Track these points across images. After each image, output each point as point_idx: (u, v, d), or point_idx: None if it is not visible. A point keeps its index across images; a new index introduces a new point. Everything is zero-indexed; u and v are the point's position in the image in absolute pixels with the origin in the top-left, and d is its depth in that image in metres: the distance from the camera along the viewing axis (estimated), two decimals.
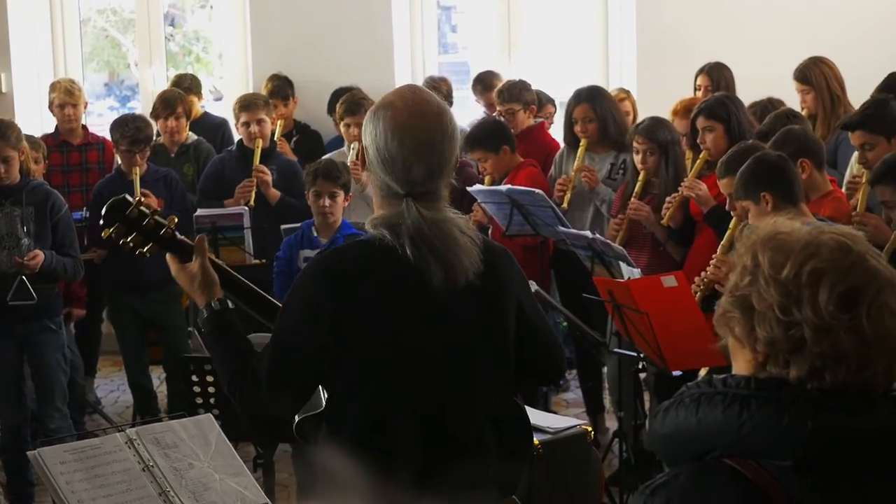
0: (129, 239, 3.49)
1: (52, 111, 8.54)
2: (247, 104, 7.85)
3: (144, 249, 3.50)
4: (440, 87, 9.08)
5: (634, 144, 6.86)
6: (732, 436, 2.02)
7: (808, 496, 2.00)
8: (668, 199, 6.66)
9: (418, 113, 3.18)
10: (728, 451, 2.03)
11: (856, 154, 6.86)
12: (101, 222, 3.52)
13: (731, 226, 5.87)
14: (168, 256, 3.51)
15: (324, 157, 7.10)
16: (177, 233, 3.52)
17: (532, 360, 3.43)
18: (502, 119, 8.06)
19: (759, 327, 2.06)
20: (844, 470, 2.01)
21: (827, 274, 2.02)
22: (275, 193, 7.54)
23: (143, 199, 3.56)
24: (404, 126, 3.15)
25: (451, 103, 9.14)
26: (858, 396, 2.02)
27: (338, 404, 3.20)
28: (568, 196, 7.33)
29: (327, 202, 6.55)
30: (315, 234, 6.64)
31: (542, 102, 8.87)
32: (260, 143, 7.69)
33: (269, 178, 7.56)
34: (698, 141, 6.73)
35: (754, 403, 2.02)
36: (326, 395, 3.30)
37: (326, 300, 3.11)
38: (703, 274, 5.89)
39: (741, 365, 2.13)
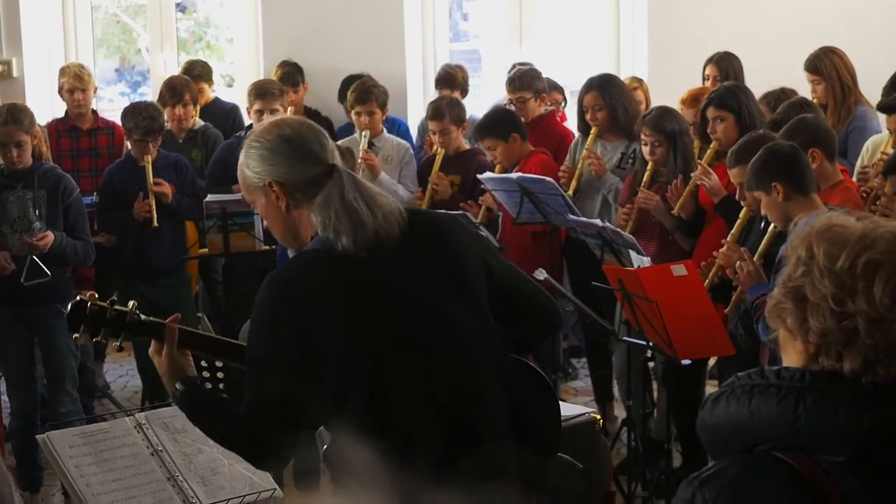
0: (101, 337, 3.48)
1: (61, 96, 8.55)
2: (262, 92, 7.85)
3: (118, 341, 3.50)
4: (457, 74, 9.06)
5: (642, 136, 6.84)
6: (786, 429, 2.00)
7: (861, 493, 1.98)
8: (671, 186, 6.63)
9: (273, 121, 3.40)
10: (779, 445, 2.02)
11: (868, 143, 6.86)
12: (68, 328, 3.52)
13: (741, 216, 5.86)
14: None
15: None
16: (141, 316, 3.48)
17: (522, 316, 3.42)
18: (513, 107, 8.04)
19: (812, 318, 2.04)
20: None
21: (883, 266, 2.00)
22: None
23: (94, 293, 3.53)
24: (273, 128, 3.32)
25: (467, 90, 9.13)
26: None
27: (333, 409, 3.15)
28: (574, 184, 7.32)
29: None
30: None
31: (548, 89, 8.85)
32: None
33: None
34: (709, 131, 6.70)
35: (810, 397, 2.00)
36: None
37: (288, 317, 3.09)
38: (710, 259, 5.88)
39: (792, 357, 2.11)
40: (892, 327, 1.98)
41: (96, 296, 3.50)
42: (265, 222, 3.50)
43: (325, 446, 3.27)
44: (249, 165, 3.30)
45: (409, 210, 3.31)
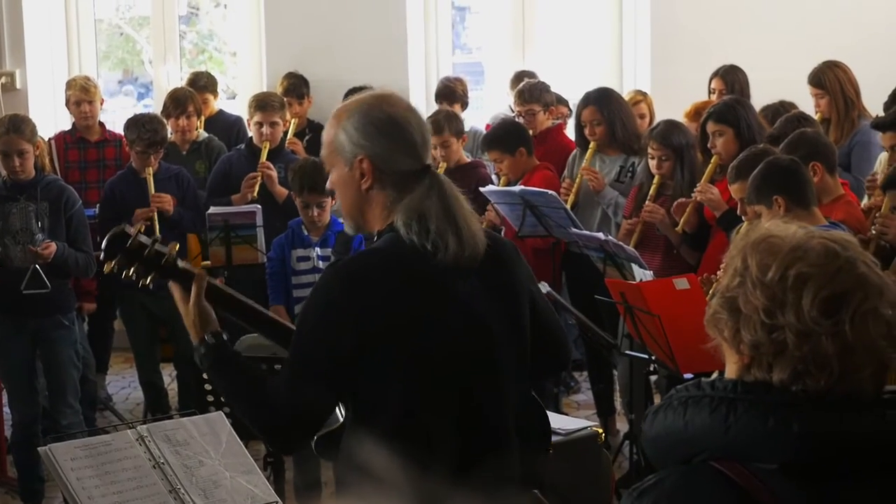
0: (130, 271, 3.47)
1: (68, 108, 8.58)
2: (262, 105, 7.86)
3: (147, 280, 3.49)
4: (456, 87, 9.07)
5: (649, 150, 6.84)
6: (719, 438, 2.02)
7: (793, 499, 2.00)
8: (675, 203, 6.65)
9: (384, 96, 3.26)
10: (715, 454, 2.04)
11: (881, 156, 6.86)
12: (102, 255, 3.49)
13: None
14: (171, 285, 3.49)
15: (308, 162, 6.98)
16: (178, 260, 3.49)
17: (543, 352, 3.43)
18: (521, 120, 8.04)
19: (744, 330, 2.06)
20: (830, 474, 2.00)
21: (812, 278, 2.01)
22: (281, 191, 7.55)
23: (142, 227, 3.54)
24: (385, 106, 3.21)
25: (466, 103, 9.14)
26: (845, 401, 2.01)
27: (362, 409, 3.18)
28: (571, 198, 7.32)
29: (316, 212, 6.57)
30: (305, 232, 6.64)
31: (554, 102, 8.86)
32: (267, 145, 7.70)
33: (274, 174, 7.57)
34: (709, 145, 6.71)
35: (741, 406, 2.02)
36: (344, 408, 3.30)
37: (347, 306, 3.07)
38: (713, 276, 5.88)
39: (730, 367, 2.13)
40: (820, 340, 2.00)
41: (142, 230, 3.49)
42: (338, 203, 3.42)
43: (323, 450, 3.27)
44: (347, 131, 3.19)
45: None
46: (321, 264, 6.50)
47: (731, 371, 2.12)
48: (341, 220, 6.65)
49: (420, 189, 3.15)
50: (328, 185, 3.35)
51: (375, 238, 3.27)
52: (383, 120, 3.18)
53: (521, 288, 3.34)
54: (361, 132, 3.17)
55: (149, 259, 3.47)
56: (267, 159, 7.66)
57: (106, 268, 3.51)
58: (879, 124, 6.52)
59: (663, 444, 2.11)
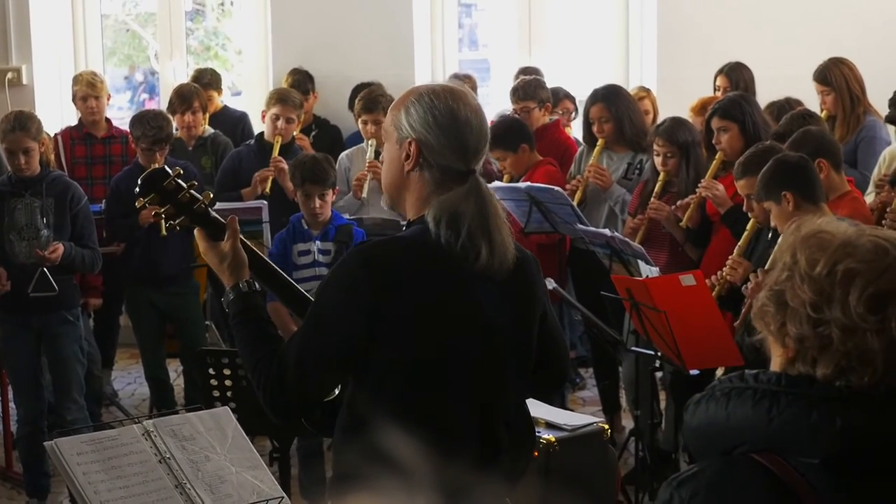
0: (162, 210, 3.47)
1: (75, 104, 8.59)
2: (283, 98, 7.89)
3: (176, 222, 3.48)
4: (464, 84, 9.05)
5: (654, 147, 6.84)
6: (761, 431, 2.03)
7: (834, 494, 2.00)
8: (679, 202, 6.65)
9: (457, 92, 3.25)
10: (756, 447, 2.04)
11: (885, 153, 6.86)
12: (137, 190, 3.46)
13: (748, 227, 5.86)
14: (197, 232, 3.48)
15: (308, 156, 7.02)
16: (210, 209, 3.50)
17: (543, 367, 3.45)
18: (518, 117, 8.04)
19: (790, 323, 2.06)
20: (871, 470, 2.01)
21: (860, 274, 2.01)
22: (292, 186, 7.55)
23: (181, 171, 3.53)
24: (452, 101, 3.20)
25: None
26: (888, 397, 2.00)
27: (366, 395, 3.19)
28: (579, 195, 7.32)
29: (317, 203, 6.57)
30: (306, 226, 6.65)
31: (560, 98, 8.85)
32: (280, 140, 7.72)
33: (286, 168, 7.58)
34: (713, 142, 6.71)
35: (784, 400, 2.02)
36: (342, 385, 3.31)
37: (366, 287, 3.09)
38: (719, 273, 5.88)
39: (774, 360, 2.13)
40: (865, 336, 1.99)
41: (181, 172, 3.49)
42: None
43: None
44: (409, 113, 3.20)
45: None
46: (322, 258, 6.51)
47: (775, 364, 2.13)
48: (342, 214, 6.72)
49: (460, 190, 3.16)
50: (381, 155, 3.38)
51: (405, 227, 3.29)
52: (445, 112, 3.19)
53: (536, 301, 3.37)
54: (420, 117, 3.19)
55: (182, 202, 3.47)
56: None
57: (138, 203, 3.50)
58: (895, 118, 6.52)
59: (704, 434, 2.12)
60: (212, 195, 3.56)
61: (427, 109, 3.19)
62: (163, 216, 3.48)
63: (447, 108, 3.19)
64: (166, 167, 3.53)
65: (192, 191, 3.47)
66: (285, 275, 3.61)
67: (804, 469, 2.01)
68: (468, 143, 3.20)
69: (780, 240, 2.20)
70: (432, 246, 3.11)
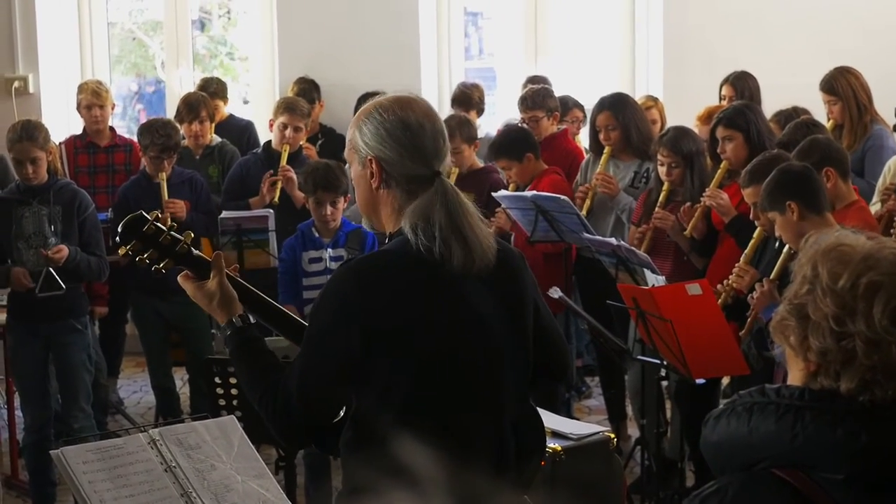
0: (145, 256, 3.48)
1: (79, 112, 8.59)
2: (291, 107, 7.91)
3: (161, 265, 3.49)
4: (472, 93, 9.07)
5: (658, 157, 6.84)
6: (784, 447, 2.01)
7: None
8: (682, 209, 6.65)
9: (403, 100, 3.29)
10: (778, 462, 2.02)
11: (890, 163, 6.84)
12: (118, 239, 3.50)
13: (754, 235, 5.86)
14: (181, 278, 3.50)
15: (321, 163, 7.03)
16: (192, 249, 3.51)
17: (543, 360, 3.45)
18: (526, 125, 8.04)
19: (812, 337, 2.05)
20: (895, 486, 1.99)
21: (884, 287, 2.00)
22: (299, 195, 7.55)
23: (160, 214, 3.53)
24: (400, 110, 3.23)
25: (482, 110, 9.14)
26: None
27: (370, 409, 3.19)
28: (587, 204, 7.32)
29: (329, 210, 6.57)
30: (316, 234, 6.65)
31: (569, 107, 8.85)
32: (287, 148, 7.73)
33: (294, 177, 7.58)
34: (718, 150, 6.71)
35: (808, 415, 2.00)
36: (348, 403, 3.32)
37: (357, 305, 3.11)
38: (725, 282, 5.88)
39: (795, 374, 2.12)
40: (890, 349, 1.98)
41: (159, 216, 3.50)
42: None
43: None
44: (362, 132, 3.24)
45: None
46: (334, 265, 6.50)
47: (795, 378, 2.11)
48: (352, 221, 6.72)
49: (426, 195, 3.18)
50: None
51: (388, 240, 3.30)
52: (395, 124, 3.22)
53: (526, 297, 3.38)
54: (373, 134, 3.22)
55: (164, 245, 3.48)
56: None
57: (120, 251, 3.51)
58: None
59: (725, 449, 2.10)
60: (192, 235, 3.56)
61: (378, 124, 3.22)
62: (147, 261, 3.49)
63: (396, 118, 3.22)
64: (144, 213, 3.53)
65: (172, 232, 3.48)
66: (276, 304, 3.62)
67: (827, 485, 1.99)
68: (425, 148, 3.23)
69: (800, 253, 2.19)
70: (415, 255, 3.13)
